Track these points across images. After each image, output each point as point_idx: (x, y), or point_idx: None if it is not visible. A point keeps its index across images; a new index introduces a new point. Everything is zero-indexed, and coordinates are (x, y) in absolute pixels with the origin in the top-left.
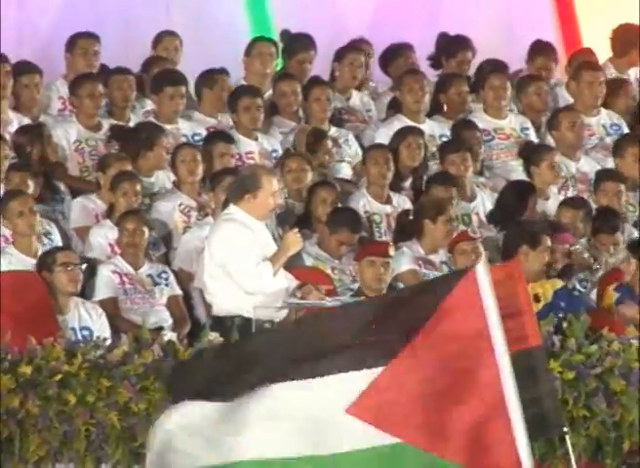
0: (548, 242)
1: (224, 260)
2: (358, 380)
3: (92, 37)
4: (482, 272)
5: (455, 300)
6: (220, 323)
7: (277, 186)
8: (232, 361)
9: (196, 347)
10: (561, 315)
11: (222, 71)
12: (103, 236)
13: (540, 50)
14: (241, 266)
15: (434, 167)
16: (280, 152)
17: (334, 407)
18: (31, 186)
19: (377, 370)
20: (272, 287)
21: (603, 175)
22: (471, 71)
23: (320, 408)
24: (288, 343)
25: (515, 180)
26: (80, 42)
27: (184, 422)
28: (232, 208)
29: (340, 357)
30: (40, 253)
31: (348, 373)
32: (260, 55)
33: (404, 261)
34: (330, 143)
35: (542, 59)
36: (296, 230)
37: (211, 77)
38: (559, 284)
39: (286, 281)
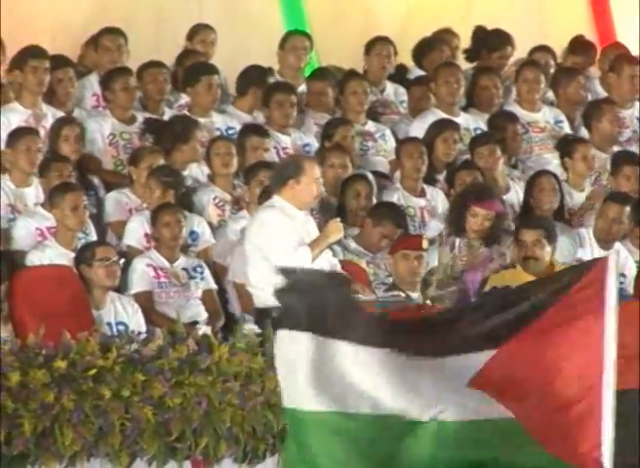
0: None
1: (262, 242)
2: (478, 360)
3: (113, 32)
4: (612, 265)
5: (581, 289)
6: (263, 314)
7: (319, 173)
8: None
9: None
10: None
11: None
12: (141, 225)
13: (579, 45)
14: (279, 247)
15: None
16: (314, 145)
17: (456, 380)
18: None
19: (492, 352)
20: None
21: (621, 160)
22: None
23: (444, 379)
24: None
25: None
26: (101, 39)
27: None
28: (275, 198)
29: (462, 341)
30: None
31: (469, 354)
32: (295, 48)
33: None
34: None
35: (581, 55)
36: (338, 219)
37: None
38: None
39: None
